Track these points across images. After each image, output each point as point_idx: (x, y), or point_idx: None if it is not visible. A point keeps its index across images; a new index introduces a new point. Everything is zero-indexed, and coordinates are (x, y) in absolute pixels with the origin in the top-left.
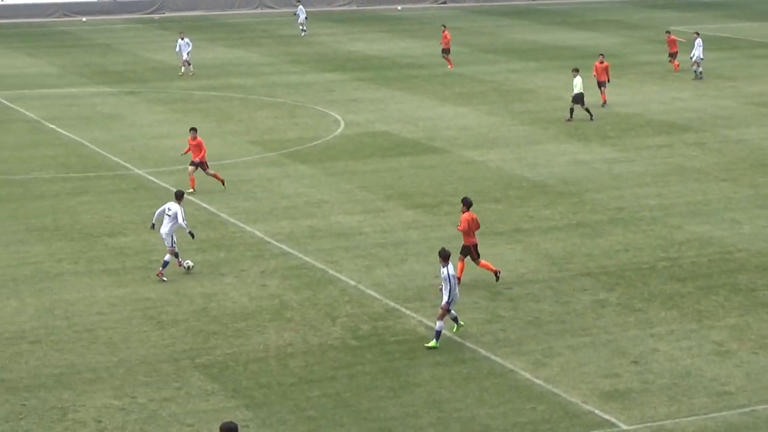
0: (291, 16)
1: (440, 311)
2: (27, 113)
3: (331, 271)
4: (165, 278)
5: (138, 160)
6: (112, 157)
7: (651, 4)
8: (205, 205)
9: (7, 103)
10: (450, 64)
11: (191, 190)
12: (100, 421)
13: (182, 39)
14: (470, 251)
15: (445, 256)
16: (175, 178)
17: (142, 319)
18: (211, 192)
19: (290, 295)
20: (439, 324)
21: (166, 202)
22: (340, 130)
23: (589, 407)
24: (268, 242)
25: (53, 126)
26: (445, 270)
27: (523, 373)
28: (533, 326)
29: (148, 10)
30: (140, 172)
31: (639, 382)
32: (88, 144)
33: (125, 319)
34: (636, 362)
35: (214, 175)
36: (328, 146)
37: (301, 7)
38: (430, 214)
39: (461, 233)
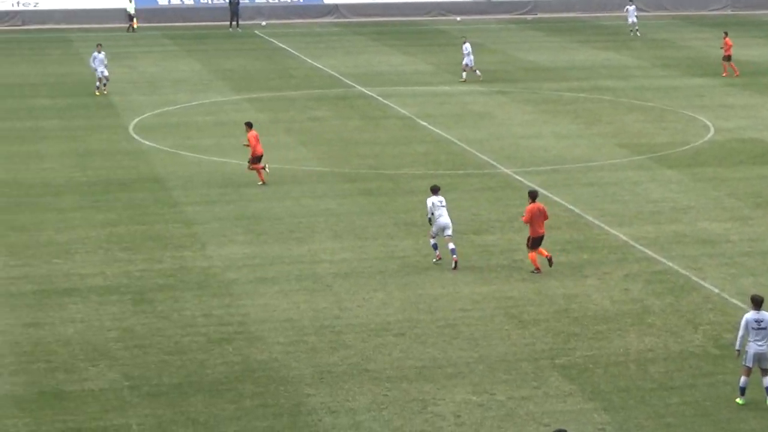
0: (662, 21)
1: None
2: (400, 110)
3: (694, 278)
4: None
5: (506, 159)
6: (481, 156)
7: None
8: (570, 206)
9: (382, 100)
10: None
11: (261, 182)
12: (458, 416)
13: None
14: (536, 242)
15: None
16: (543, 178)
17: (503, 317)
18: (577, 193)
19: (652, 300)
20: None
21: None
22: (709, 136)
23: None
24: (633, 246)
25: (425, 123)
26: None
27: None
28: None
29: (522, 11)
30: (508, 171)
31: None
32: (458, 142)
33: (487, 316)
34: None
35: (259, 172)
36: (697, 152)
37: (629, 8)
38: None
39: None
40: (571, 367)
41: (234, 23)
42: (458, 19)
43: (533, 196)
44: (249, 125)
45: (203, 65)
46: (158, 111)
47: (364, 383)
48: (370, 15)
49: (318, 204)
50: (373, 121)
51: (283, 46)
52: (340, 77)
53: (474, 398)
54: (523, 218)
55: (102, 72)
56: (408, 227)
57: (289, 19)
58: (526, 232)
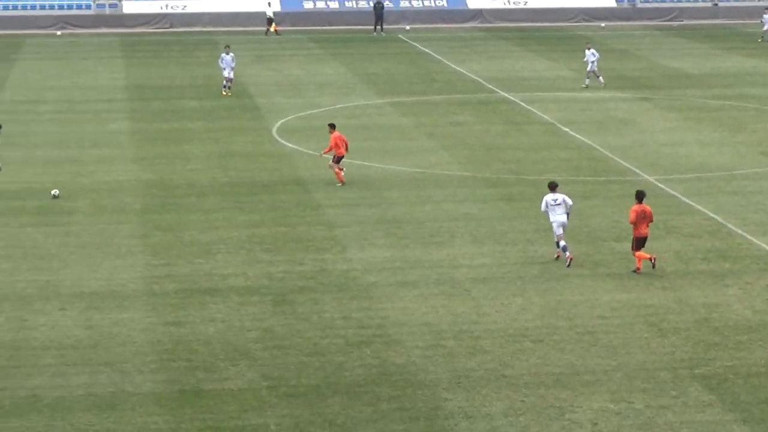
0: None
1: None
2: (543, 116)
3: None
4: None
5: (648, 166)
6: (623, 162)
7: None
8: (713, 215)
9: (525, 105)
10: None
11: (340, 184)
12: (596, 424)
13: (588, 50)
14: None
15: None
16: (685, 186)
17: (643, 325)
18: (719, 201)
19: None
20: None
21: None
22: None
23: None
24: None
25: (567, 129)
26: None
27: None
28: None
29: (667, 17)
30: (650, 178)
31: None
32: (600, 148)
33: (626, 324)
34: None
35: (339, 173)
36: None
37: (766, 16)
38: None
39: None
40: (710, 377)
41: (378, 27)
42: (603, 25)
43: (640, 197)
44: (332, 126)
45: (347, 69)
46: (302, 114)
47: (501, 389)
48: (513, 20)
49: (459, 208)
50: (516, 127)
51: (427, 50)
52: (483, 82)
53: (611, 406)
54: (629, 219)
55: (228, 74)
56: (548, 233)
57: (433, 23)
58: (670, 240)
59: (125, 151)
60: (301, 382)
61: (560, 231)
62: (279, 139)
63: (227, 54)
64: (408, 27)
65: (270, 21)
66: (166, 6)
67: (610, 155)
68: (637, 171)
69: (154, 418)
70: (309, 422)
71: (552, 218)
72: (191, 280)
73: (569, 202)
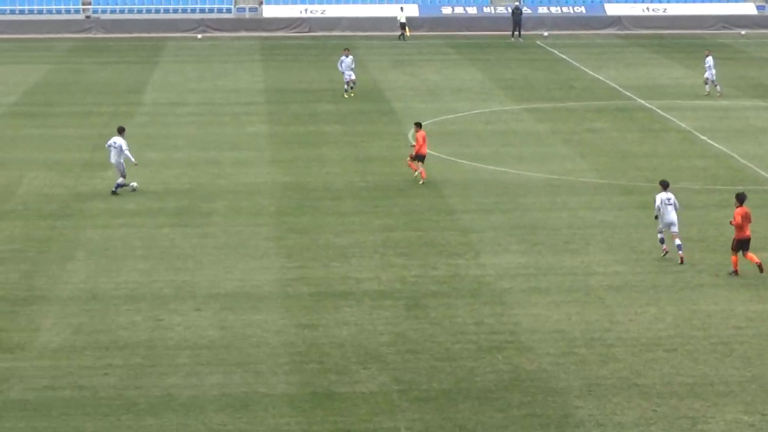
0: None
1: None
2: (680, 123)
3: None
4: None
5: None
6: (762, 172)
7: None
8: None
9: (662, 113)
10: None
11: (422, 180)
12: None
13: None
14: (743, 245)
15: None
16: None
17: None
18: None
19: None
20: None
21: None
22: None
23: None
24: None
25: (705, 137)
26: None
27: None
28: None
29: None
30: None
31: None
32: (738, 157)
33: (762, 334)
34: None
35: (414, 167)
36: None
37: None
38: None
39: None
40: None
41: (516, 33)
42: (743, 32)
43: (741, 199)
44: (418, 125)
45: (484, 74)
46: (438, 119)
47: (633, 398)
48: (652, 27)
49: (594, 216)
50: (652, 134)
51: (565, 56)
52: (621, 89)
53: (745, 418)
54: (733, 221)
55: (349, 75)
56: (684, 242)
57: (571, 30)
58: None
59: (263, 153)
60: (432, 387)
61: (675, 229)
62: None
63: (347, 57)
64: (546, 33)
65: (403, 26)
66: (306, 11)
67: (749, 164)
68: None
69: (286, 419)
70: (439, 427)
71: (666, 218)
72: (325, 283)
73: (677, 203)
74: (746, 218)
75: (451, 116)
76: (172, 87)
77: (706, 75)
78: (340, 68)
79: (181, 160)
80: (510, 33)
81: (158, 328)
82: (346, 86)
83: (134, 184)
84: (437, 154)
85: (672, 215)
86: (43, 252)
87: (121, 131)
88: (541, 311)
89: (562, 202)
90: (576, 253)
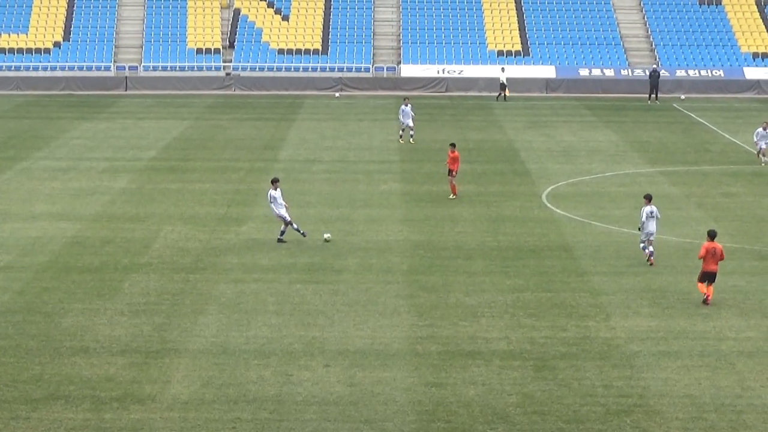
0: None
1: None
2: None
3: None
4: None
5: None
6: None
7: None
8: None
9: None
10: None
11: (452, 196)
12: None
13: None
14: (708, 277)
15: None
16: None
17: None
18: None
19: None
20: None
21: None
22: None
23: None
24: None
25: None
26: None
27: None
28: None
29: None
30: None
31: None
32: None
33: None
34: None
35: (452, 186)
36: None
37: None
38: None
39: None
40: None
41: (653, 96)
42: None
43: (711, 235)
44: (453, 146)
45: (619, 136)
46: (573, 180)
47: None
48: None
49: (726, 280)
50: None
51: (701, 120)
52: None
53: None
54: (699, 254)
55: (407, 123)
56: None
57: (709, 93)
58: None
59: (395, 211)
60: None
61: (652, 238)
62: (548, 205)
63: (406, 106)
64: (683, 96)
65: (503, 86)
66: (443, 70)
67: None
68: None
69: None
70: None
71: (649, 228)
72: (454, 342)
73: (658, 215)
74: (712, 253)
75: (586, 178)
76: (308, 144)
77: (760, 145)
78: (400, 117)
79: (314, 216)
80: (647, 96)
81: (287, 383)
82: (401, 132)
83: (327, 235)
84: (570, 215)
85: (653, 227)
86: (177, 305)
87: (274, 182)
88: (671, 375)
89: (694, 266)
90: (707, 317)
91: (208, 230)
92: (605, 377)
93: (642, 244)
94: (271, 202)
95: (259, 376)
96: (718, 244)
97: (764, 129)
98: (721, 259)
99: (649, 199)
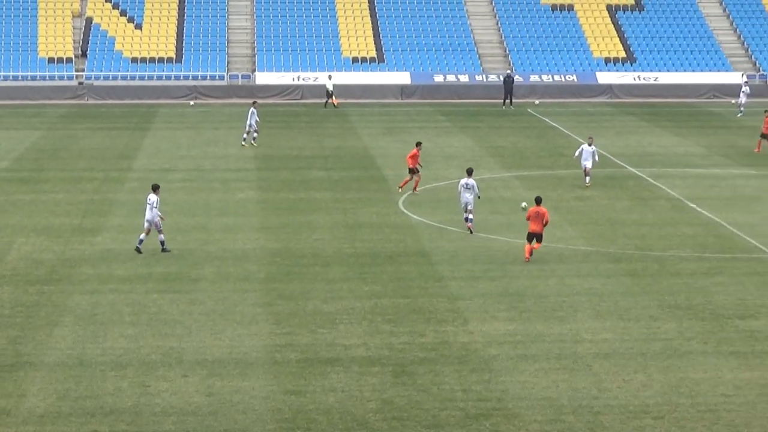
0: None
1: None
2: (670, 191)
3: None
4: None
5: None
6: (750, 240)
7: None
8: None
9: (652, 181)
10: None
11: (415, 191)
12: None
13: None
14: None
15: None
16: None
17: (767, 405)
18: None
19: None
20: None
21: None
22: None
23: None
24: None
25: (694, 205)
26: None
27: None
28: None
29: None
30: None
31: None
32: (727, 225)
33: (750, 402)
34: None
35: (406, 181)
36: None
37: None
38: None
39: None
40: None
41: (507, 101)
42: (733, 101)
43: (537, 201)
44: (418, 145)
45: (475, 142)
46: (428, 186)
47: None
48: (643, 95)
49: (582, 283)
50: (642, 202)
51: (555, 124)
52: (611, 157)
53: None
54: (526, 216)
55: (251, 125)
56: (672, 310)
57: (563, 98)
58: None
59: (251, 219)
60: None
61: (470, 207)
62: (405, 211)
63: (254, 109)
64: (537, 101)
65: (329, 94)
66: (298, 78)
67: (737, 232)
68: (765, 249)
69: None
70: None
71: (462, 199)
72: (313, 350)
73: (477, 190)
74: (535, 215)
75: (442, 183)
76: (162, 153)
77: None
78: (248, 119)
79: (170, 226)
80: (502, 101)
81: (144, 394)
82: (245, 135)
83: (524, 204)
84: (426, 221)
85: (468, 197)
86: (31, 317)
87: (155, 189)
88: (529, 378)
89: (550, 270)
90: (564, 320)
91: (62, 241)
92: (464, 382)
93: (465, 215)
94: (155, 206)
95: (116, 387)
96: (542, 208)
97: (590, 145)
98: (546, 223)
99: (469, 173)
